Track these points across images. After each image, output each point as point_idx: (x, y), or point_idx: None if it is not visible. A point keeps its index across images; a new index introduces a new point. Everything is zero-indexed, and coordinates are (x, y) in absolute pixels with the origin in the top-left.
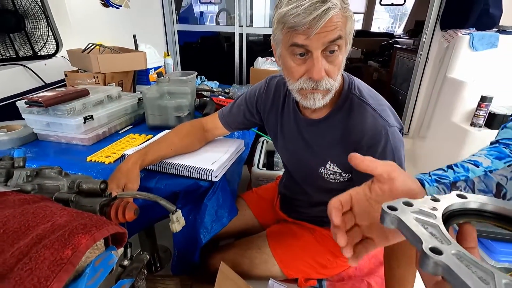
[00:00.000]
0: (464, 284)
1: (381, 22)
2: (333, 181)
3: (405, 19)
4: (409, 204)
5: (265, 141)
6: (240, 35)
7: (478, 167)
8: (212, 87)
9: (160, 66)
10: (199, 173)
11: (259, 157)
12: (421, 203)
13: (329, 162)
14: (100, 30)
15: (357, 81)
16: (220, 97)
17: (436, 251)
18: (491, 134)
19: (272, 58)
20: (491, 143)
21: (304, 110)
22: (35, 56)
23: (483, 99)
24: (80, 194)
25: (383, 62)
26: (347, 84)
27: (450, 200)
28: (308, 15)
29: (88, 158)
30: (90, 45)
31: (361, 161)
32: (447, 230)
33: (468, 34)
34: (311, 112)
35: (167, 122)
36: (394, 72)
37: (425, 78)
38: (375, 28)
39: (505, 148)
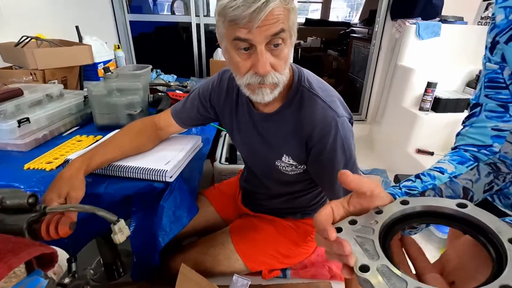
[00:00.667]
0: None
1: (339, 12)
2: (290, 173)
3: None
4: (353, 222)
5: (227, 135)
6: (198, 25)
7: (443, 173)
8: (168, 81)
9: (110, 60)
10: (152, 175)
11: (221, 152)
12: (364, 219)
13: (284, 155)
14: (37, 21)
15: (306, 73)
16: (177, 91)
17: (364, 269)
18: (437, 117)
19: None
20: (452, 149)
21: (257, 104)
22: None
23: (429, 85)
24: (4, 211)
25: (342, 51)
26: (296, 76)
27: (392, 209)
28: (248, 8)
29: (26, 166)
30: (25, 38)
31: (350, 181)
32: (391, 237)
33: (414, 23)
34: (263, 106)
35: (118, 121)
36: (352, 60)
37: (379, 66)
38: (333, 17)
39: (465, 152)
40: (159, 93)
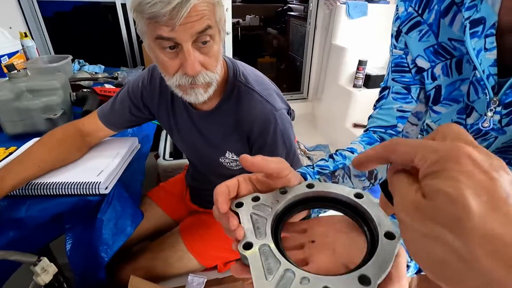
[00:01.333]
0: (251, 274)
1: None
2: (235, 168)
3: None
4: (256, 199)
5: None
6: (124, 6)
7: (353, 153)
8: (95, 73)
9: (17, 52)
10: (84, 189)
11: (164, 147)
12: (267, 197)
13: (227, 152)
14: None
15: (242, 67)
16: (106, 85)
17: (247, 246)
18: (369, 93)
19: None
20: (364, 131)
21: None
22: None
23: (360, 63)
24: None
25: (281, 29)
26: (231, 71)
27: (297, 191)
28: (167, 5)
29: None
30: None
31: (252, 163)
32: (287, 219)
33: (344, 3)
34: (201, 104)
35: (35, 127)
36: (291, 39)
37: (316, 45)
38: None
39: (374, 133)
40: (84, 90)
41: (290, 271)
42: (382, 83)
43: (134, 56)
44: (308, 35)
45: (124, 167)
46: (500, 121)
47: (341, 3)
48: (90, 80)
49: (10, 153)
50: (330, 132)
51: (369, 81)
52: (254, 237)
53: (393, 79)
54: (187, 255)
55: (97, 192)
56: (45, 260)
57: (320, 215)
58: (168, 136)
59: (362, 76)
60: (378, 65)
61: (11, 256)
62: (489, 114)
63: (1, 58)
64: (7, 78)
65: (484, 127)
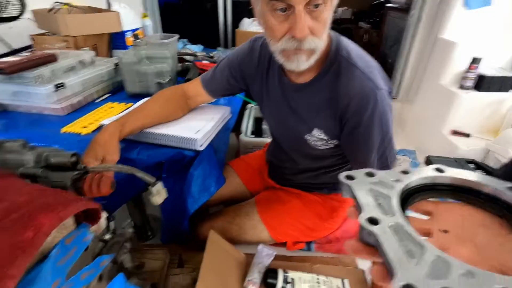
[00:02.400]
0: (385, 255)
1: None
2: (320, 147)
3: None
4: (371, 175)
5: (253, 108)
6: None
7: None
8: (195, 51)
9: (138, 29)
10: (183, 143)
11: (247, 125)
12: (385, 175)
13: (315, 129)
14: None
15: (345, 41)
16: (204, 61)
17: (373, 221)
18: (480, 97)
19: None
20: None
21: (290, 74)
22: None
23: (474, 60)
24: (48, 168)
25: (374, 23)
26: (334, 44)
27: (422, 174)
28: None
29: (63, 130)
30: (57, 4)
31: None
32: (412, 203)
33: None
34: (296, 76)
35: (148, 89)
36: (385, 34)
37: (417, 39)
38: None
39: None
40: (187, 63)
41: (441, 260)
42: None
43: (227, 39)
44: (409, 29)
45: (217, 131)
46: None
47: None
48: (192, 55)
49: (127, 108)
50: (419, 137)
51: (482, 83)
52: (379, 213)
53: None
54: (260, 225)
55: (193, 148)
56: (159, 184)
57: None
58: (251, 115)
59: (474, 77)
60: (497, 64)
61: (138, 172)
62: None
63: (126, 33)
64: (132, 47)
65: None
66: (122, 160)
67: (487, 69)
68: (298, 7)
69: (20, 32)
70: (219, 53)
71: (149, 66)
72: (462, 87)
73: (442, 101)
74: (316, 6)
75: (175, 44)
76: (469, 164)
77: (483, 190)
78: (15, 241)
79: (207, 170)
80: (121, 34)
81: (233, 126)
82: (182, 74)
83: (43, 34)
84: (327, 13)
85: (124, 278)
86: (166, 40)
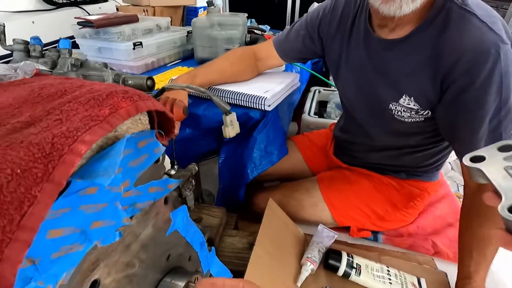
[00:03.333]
0: None
1: None
2: (406, 120)
3: None
4: (507, 149)
5: (317, 91)
6: None
7: None
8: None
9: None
10: (251, 101)
11: (311, 105)
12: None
13: (404, 96)
14: None
15: None
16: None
17: None
18: None
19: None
20: None
21: (381, 29)
22: (90, 1)
23: None
24: None
25: None
26: None
27: None
28: None
29: None
30: None
31: None
32: None
33: None
34: (390, 30)
35: (217, 55)
36: None
37: None
38: None
39: None
40: (256, 34)
41: None
42: None
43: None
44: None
45: (285, 95)
46: None
47: None
48: (259, 30)
49: None
50: None
51: None
52: None
53: None
54: (321, 204)
55: (262, 108)
56: (234, 115)
57: None
58: (315, 97)
59: None
60: None
61: (214, 97)
62: None
63: (199, 10)
64: (206, 13)
65: None
66: (189, 115)
67: None
68: None
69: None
70: None
71: (220, 32)
72: None
73: None
74: None
75: (245, 17)
76: None
77: None
78: (91, 114)
79: (270, 136)
80: (195, 10)
81: (294, 112)
82: (251, 43)
83: (127, 6)
84: None
85: (188, 212)
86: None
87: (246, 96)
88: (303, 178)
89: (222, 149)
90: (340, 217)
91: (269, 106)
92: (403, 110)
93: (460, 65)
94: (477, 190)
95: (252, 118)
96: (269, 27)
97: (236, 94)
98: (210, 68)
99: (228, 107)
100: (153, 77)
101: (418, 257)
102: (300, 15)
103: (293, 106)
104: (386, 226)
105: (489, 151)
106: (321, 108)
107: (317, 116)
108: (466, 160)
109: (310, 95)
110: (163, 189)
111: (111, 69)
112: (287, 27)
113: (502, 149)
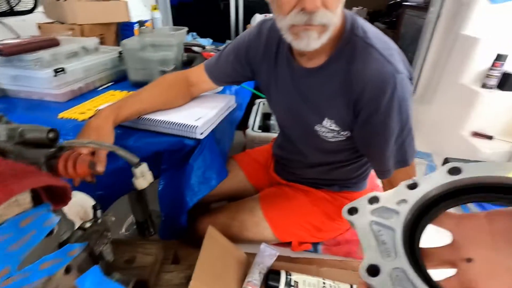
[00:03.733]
0: None
1: None
2: (330, 140)
3: None
4: (374, 200)
5: (261, 103)
6: None
7: None
8: (204, 45)
9: (147, 21)
10: (182, 130)
11: (255, 119)
12: (389, 196)
13: (326, 119)
14: None
15: (362, 21)
16: (212, 53)
17: (372, 271)
18: (504, 96)
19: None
20: None
21: (300, 58)
22: (11, 12)
23: (499, 57)
24: (24, 145)
25: (390, 23)
26: (349, 23)
27: (433, 181)
28: None
29: (60, 115)
30: None
31: None
32: (425, 225)
33: None
34: (307, 59)
35: (151, 77)
36: (402, 33)
37: (436, 37)
38: None
39: None
40: (193, 53)
41: None
42: None
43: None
44: (427, 26)
45: (219, 120)
46: None
47: None
48: (199, 46)
49: None
50: (437, 140)
51: (507, 81)
52: (380, 257)
53: None
54: (263, 223)
55: (193, 136)
56: (144, 166)
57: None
58: (259, 110)
59: (499, 75)
60: None
61: (119, 150)
62: None
63: (135, 25)
64: (138, 34)
65: None
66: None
67: None
68: None
69: (32, 25)
70: None
71: (153, 54)
72: (484, 86)
73: (462, 101)
74: None
75: (182, 34)
76: None
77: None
78: None
79: (207, 161)
80: (130, 25)
81: (241, 123)
82: (188, 64)
83: (51, 23)
84: None
85: (101, 271)
86: (172, 32)
87: (177, 125)
88: (248, 195)
89: (161, 176)
90: (282, 233)
91: (201, 134)
92: (327, 131)
93: (366, 94)
94: None
95: (186, 145)
96: (211, 41)
97: (167, 123)
98: (139, 98)
99: (136, 159)
100: (82, 104)
101: (353, 263)
102: (244, 28)
103: (235, 124)
104: (324, 236)
105: (361, 203)
106: (266, 120)
107: (261, 131)
108: (344, 212)
109: (255, 108)
110: (61, 259)
111: (7, 121)
112: (218, 52)
113: (371, 200)
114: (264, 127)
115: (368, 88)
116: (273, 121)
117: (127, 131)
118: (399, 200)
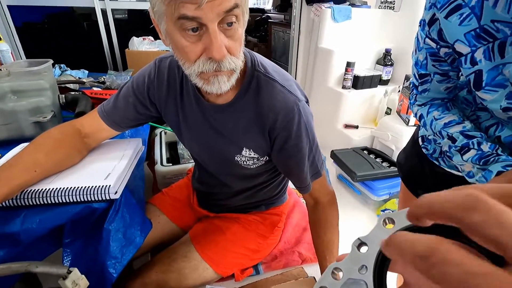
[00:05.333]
0: None
1: None
2: (252, 166)
3: None
4: (337, 270)
5: (162, 133)
6: (104, 11)
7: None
8: (79, 78)
9: None
10: (91, 194)
11: (161, 152)
12: (349, 264)
13: (244, 149)
14: None
15: (259, 57)
16: (95, 88)
17: None
18: (359, 94)
19: (150, 37)
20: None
21: (208, 95)
22: None
23: (348, 64)
24: None
25: (261, 37)
26: (249, 61)
27: (378, 238)
28: None
29: None
30: None
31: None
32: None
33: (329, 7)
34: (215, 97)
35: (21, 132)
36: (273, 46)
37: (300, 49)
38: None
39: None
40: (73, 92)
41: None
42: (421, 68)
43: (116, 61)
44: (293, 40)
45: (131, 170)
46: None
47: (325, 8)
48: (76, 83)
49: None
50: (321, 134)
51: (358, 82)
52: None
53: (433, 66)
54: (202, 264)
55: (106, 197)
56: (76, 272)
57: None
58: (163, 141)
59: (351, 78)
60: (365, 66)
61: (37, 267)
62: None
63: None
64: None
65: None
66: (0, 237)
67: (359, 70)
68: (212, 26)
69: None
70: (112, 77)
71: (19, 103)
72: (344, 87)
73: (332, 101)
74: (230, 24)
75: (50, 70)
76: (364, 151)
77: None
78: None
79: (127, 219)
80: None
81: (145, 157)
82: (69, 107)
83: None
84: (241, 30)
85: None
86: (36, 68)
87: (81, 190)
88: (176, 239)
89: (65, 251)
90: (224, 269)
91: (116, 193)
92: (247, 159)
93: (278, 123)
94: (315, 204)
95: (96, 209)
96: (87, 72)
97: (67, 190)
98: (18, 168)
99: (63, 270)
100: None
101: (293, 271)
102: (121, 51)
103: (142, 163)
104: (262, 255)
105: (328, 280)
106: (172, 151)
107: (171, 164)
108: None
109: (157, 139)
110: None
111: None
112: (112, 95)
113: (333, 274)
114: (173, 158)
115: (280, 118)
116: (181, 150)
117: (9, 212)
118: (359, 267)
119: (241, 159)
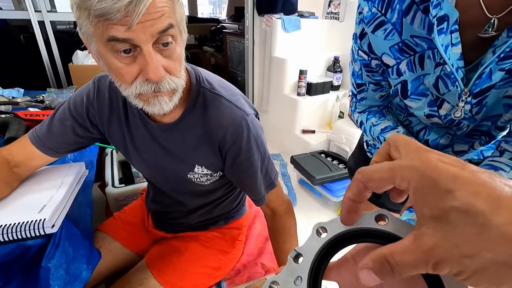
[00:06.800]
0: None
1: (203, 8)
2: (206, 183)
3: (225, 5)
4: (275, 284)
5: (113, 152)
6: (42, 23)
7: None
8: (13, 97)
9: None
10: (22, 231)
11: (112, 173)
12: (285, 276)
13: (196, 166)
14: None
15: (205, 73)
16: (31, 109)
17: None
18: (313, 100)
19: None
20: (359, 122)
21: (154, 115)
22: None
23: (301, 72)
24: None
25: (217, 47)
26: (194, 78)
27: (312, 247)
28: None
29: None
30: None
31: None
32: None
33: (279, 18)
34: (161, 116)
35: None
36: (229, 55)
37: (256, 58)
38: (199, 14)
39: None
40: (3, 116)
41: None
42: (357, 78)
43: (59, 76)
44: (247, 50)
45: (72, 199)
46: (471, 110)
47: (276, 19)
48: (8, 104)
49: None
50: (280, 141)
51: (311, 89)
52: None
53: (367, 75)
54: None
55: (42, 233)
56: None
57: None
58: (114, 160)
59: (304, 85)
60: (317, 73)
61: None
62: (461, 104)
63: None
64: None
65: (456, 117)
66: None
67: (312, 77)
68: (146, 48)
69: None
70: (52, 95)
71: None
72: (299, 94)
73: (289, 107)
74: (166, 44)
75: None
76: (321, 155)
77: (364, 230)
78: None
79: (69, 253)
80: None
81: (93, 180)
82: (0, 131)
83: None
84: (179, 48)
85: None
86: None
87: (11, 227)
88: (131, 266)
89: None
90: None
91: (53, 227)
92: (201, 177)
93: (227, 138)
94: (272, 215)
95: (31, 247)
96: (22, 90)
97: None
98: None
99: None
100: None
101: (257, 284)
102: (64, 66)
103: (90, 187)
104: (225, 272)
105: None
106: (125, 170)
107: (123, 185)
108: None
109: (108, 159)
110: None
111: None
112: (45, 119)
113: (272, 285)
114: (126, 178)
115: (228, 134)
116: (135, 169)
117: None
118: (295, 278)
119: (194, 176)
